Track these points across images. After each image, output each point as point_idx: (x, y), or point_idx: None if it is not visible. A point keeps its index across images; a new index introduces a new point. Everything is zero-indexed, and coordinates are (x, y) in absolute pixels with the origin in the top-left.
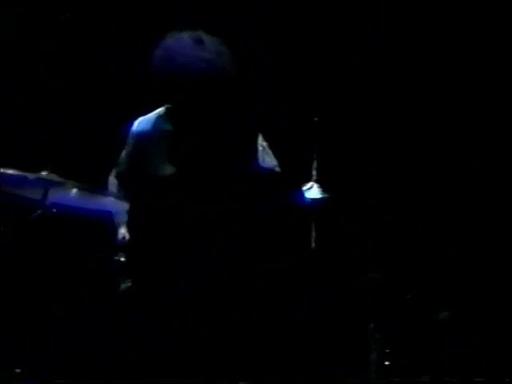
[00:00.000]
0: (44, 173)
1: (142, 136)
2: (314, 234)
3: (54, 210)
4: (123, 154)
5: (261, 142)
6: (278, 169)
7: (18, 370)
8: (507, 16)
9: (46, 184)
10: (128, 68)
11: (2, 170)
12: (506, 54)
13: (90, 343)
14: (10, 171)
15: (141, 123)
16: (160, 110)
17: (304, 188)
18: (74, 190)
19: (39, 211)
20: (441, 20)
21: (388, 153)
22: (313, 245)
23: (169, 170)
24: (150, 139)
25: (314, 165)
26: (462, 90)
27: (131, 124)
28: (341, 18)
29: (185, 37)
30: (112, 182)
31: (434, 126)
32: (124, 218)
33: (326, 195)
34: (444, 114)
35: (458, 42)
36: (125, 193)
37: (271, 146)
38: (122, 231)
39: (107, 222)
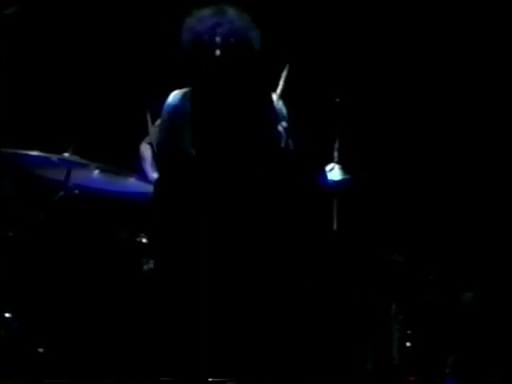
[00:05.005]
0: (67, 154)
1: (172, 109)
2: (335, 216)
3: (77, 192)
4: (156, 123)
5: (282, 123)
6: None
7: (40, 350)
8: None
9: (69, 165)
10: (154, 43)
11: (25, 152)
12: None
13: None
14: (34, 152)
15: (174, 96)
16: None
17: (326, 169)
18: (97, 172)
19: (62, 192)
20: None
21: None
22: (335, 226)
23: (192, 149)
24: (180, 114)
25: (336, 146)
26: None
27: (166, 97)
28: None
29: (206, 12)
30: (145, 147)
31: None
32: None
33: (347, 176)
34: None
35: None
36: (156, 163)
37: (293, 127)
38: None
39: (129, 202)
